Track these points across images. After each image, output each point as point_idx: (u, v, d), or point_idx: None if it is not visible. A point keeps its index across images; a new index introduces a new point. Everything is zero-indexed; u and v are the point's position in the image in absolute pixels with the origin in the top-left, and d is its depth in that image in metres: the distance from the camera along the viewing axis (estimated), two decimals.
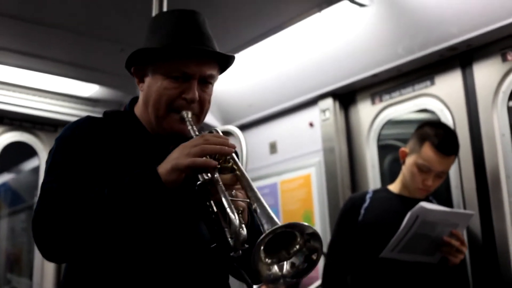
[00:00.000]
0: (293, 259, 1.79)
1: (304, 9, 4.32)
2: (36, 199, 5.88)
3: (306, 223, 1.73)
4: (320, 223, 5.05)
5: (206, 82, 2.21)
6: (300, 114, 5.39)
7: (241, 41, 4.46)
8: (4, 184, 6.93)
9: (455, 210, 3.93)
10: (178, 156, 1.90)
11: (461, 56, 4.27)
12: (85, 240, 1.84)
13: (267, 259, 1.76)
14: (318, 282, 4.63)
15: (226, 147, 1.95)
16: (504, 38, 4.01)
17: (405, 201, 3.74)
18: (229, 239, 1.83)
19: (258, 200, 1.84)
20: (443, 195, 4.29)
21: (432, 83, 4.46)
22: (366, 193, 3.98)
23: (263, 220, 1.76)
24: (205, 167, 1.90)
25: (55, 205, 1.86)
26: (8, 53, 4.93)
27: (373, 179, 4.86)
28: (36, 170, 6.15)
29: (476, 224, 4.03)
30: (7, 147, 5.87)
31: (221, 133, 2.12)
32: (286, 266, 1.79)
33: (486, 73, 4.13)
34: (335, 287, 3.88)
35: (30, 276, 5.97)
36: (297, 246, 1.78)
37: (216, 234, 2.03)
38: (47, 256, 1.91)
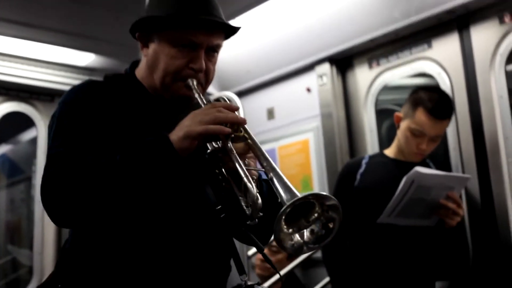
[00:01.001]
0: (312, 226, 1.81)
1: None
2: (34, 168, 5.93)
3: (326, 193, 1.76)
4: (318, 188, 5.07)
5: (213, 51, 2.21)
6: (297, 79, 5.38)
7: (238, 7, 4.43)
8: (2, 155, 6.93)
9: (450, 173, 3.94)
10: (190, 124, 1.90)
11: (459, 19, 4.25)
12: (95, 205, 1.85)
13: (287, 229, 1.78)
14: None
15: (239, 117, 1.96)
16: (501, 1, 4.00)
17: (401, 165, 3.75)
18: (245, 208, 1.85)
19: (273, 170, 1.85)
20: (441, 158, 4.30)
21: (430, 47, 4.45)
22: (362, 158, 4.00)
23: (281, 190, 1.77)
24: (218, 134, 1.91)
25: (65, 170, 1.86)
26: (3, 23, 4.90)
27: (371, 144, 4.86)
28: (34, 140, 6.13)
29: (474, 186, 4.05)
30: (4, 118, 5.85)
31: (228, 101, 2.12)
32: (306, 233, 1.81)
33: (483, 35, 4.12)
34: (335, 252, 3.90)
35: (30, 247, 5.99)
36: (316, 214, 1.80)
37: (226, 201, 2.07)
38: (57, 221, 1.91)
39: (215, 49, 2.22)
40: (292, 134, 5.39)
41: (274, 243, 4.84)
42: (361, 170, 3.87)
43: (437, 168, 3.85)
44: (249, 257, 4.78)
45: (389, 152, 3.93)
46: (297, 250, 1.81)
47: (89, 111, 2.05)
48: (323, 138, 5.11)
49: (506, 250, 3.91)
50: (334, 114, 5.01)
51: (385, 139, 4.84)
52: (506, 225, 3.92)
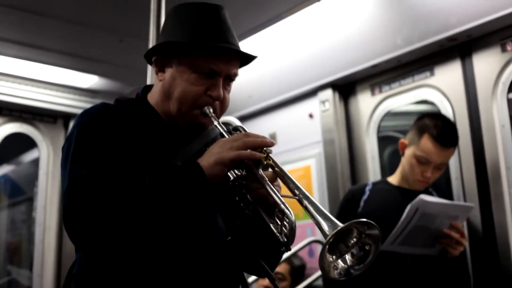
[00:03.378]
0: (352, 250, 1.80)
1: None
2: (36, 189, 5.93)
3: (369, 221, 1.75)
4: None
5: (230, 80, 2.21)
6: (299, 105, 5.39)
7: (240, 32, 4.44)
8: (4, 176, 6.93)
9: (454, 202, 3.93)
10: (221, 150, 1.89)
11: (461, 47, 4.26)
12: (119, 227, 1.83)
13: (330, 257, 1.77)
14: (320, 272, 4.65)
15: (268, 140, 1.95)
16: (503, 28, 4.01)
17: (405, 193, 3.73)
18: (278, 235, 1.84)
19: (307, 198, 1.84)
20: (443, 187, 4.29)
21: (432, 74, 4.46)
22: (365, 185, 3.98)
23: (320, 218, 1.75)
24: (250, 158, 1.89)
25: (91, 194, 1.84)
26: (7, 44, 4.92)
27: (373, 171, 4.85)
28: (36, 161, 6.14)
29: (476, 216, 4.03)
30: (7, 139, 5.87)
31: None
32: (348, 257, 1.80)
33: (485, 63, 4.12)
34: (336, 280, 3.87)
35: (30, 268, 5.98)
36: (354, 239, 1.79)
37: (239, 230, 2.08)
38: (78, 243, 1.90)
39: (232, 77, 2.20)
40: (294, 160, 5.38)
41: (277, 270, 4.83)
42: (365, 197, 3.85)
43: (439, 197, 3.83)
44: (250, 284, 4.76)
45: (393, 179, 3.91)
46: (345, 275, 1.80)
47: (106, 134, 2.04)
48: (325, 164, 5.11)
49: (507, 279, 3.88)
50: (336, 140, 5.01)
51: (387, 166, 4.82)
52: (507, 255, 3.90)
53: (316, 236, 4.85)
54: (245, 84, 5.44)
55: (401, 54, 4.44)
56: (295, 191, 1.88)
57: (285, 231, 1.83)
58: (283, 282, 4.86)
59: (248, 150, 1.88)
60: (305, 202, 1.82)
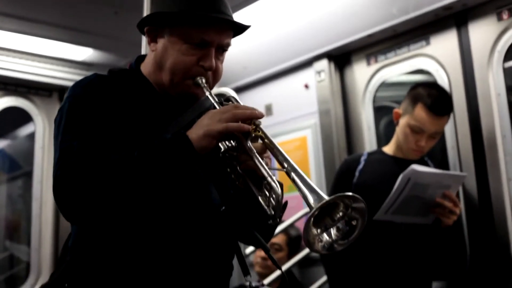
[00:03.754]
0: (337, 224, 1.79)
1: None
2: (33, 164, 5.92)
3: (355, 195, 1.73)
4: (316, 184, 5.05)
5: (222, 50, 2.20)
6: (295, 75, 5.37)
7: (235, 2, 4.42)
8: (0, 151, 6.91)
9: (446, 171, 3.93)
10: (209, 123, 1.89)
11: (456, 16, 4.24)
12: (110, 200, 1.83)
13: (316, 230, 1.76)
14: None
15: (257, 111, 1.94)
16: None
17: (399, 163, 3.74)
18: (266, 208, 1.86)
19: (295, 170, 1.83)
20: (439, 156, 4.29)
21: (428, 43, 4.45)
22: (360, 155, 3.99)
23: (306, 191, 1.75)
24: (239, 131, 1.89)
25: (80, 164, 1.85)
26: (1, 17, 4.89)
27: (369, 141, 4.85)
28: (32, 135, 6.13)
29: (472, 184, 4.04)
30: (2, 113, 5.86)
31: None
32: (333, 231, 1.79)
33: (481, 32, 4.11)
34: None
35: (28, 243, 5.99)
36: (340, 213, 1.78)
37: (233, 201, 2.10)
38: (69, 215, 1.90)
39: (225, 48, 2.20)
40: (290, 131, 5.38)
41: (274, 241, 4.85)
42: (360, 166, 3.86)
43: (435, 166, 3.84)
44: (247, 255, 4.77)
45: (388, 149, 3.92)
46: (329, 249, 1.79)
47: (98, 106, 2.04)
48: (321, 135, 5.11)
49: (503, 249, 3.90)
50: (332, 111, 5.00)
51: (383, 136, 4.83)
52: (503, 224, 3.91)
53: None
54: (240, 55, 5.42)
55: (396, 24, 4.43)
56: (284, 163, 1.87)
57: (273, 204, 1.84)
58: (280, 252, 4.88)
59: (237, 122, 1.88)
60: (293, 175, 1.81)
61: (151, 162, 1.84)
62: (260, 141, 1.98)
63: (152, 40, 2.24)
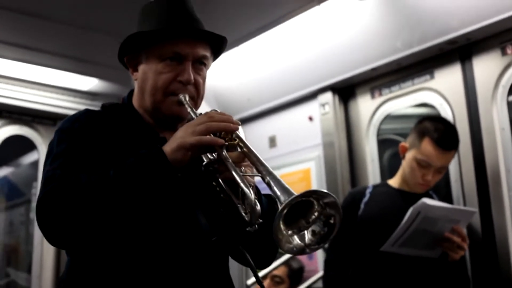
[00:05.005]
0: (313, 227, 1.78)
1: (303, 2, 4.31)
2: (34, 191, 5.92)
3: (323, 190, 1.72)
4: None
5: (200, 64, 2.21)
6: (299, 108, 5.39)
7: (240, 35, 4.44)
8: (3, 178, 6.91)
9: (457, 206, 3.93)
10: (183, 135, 1.89)
11: (461, 50, 4.26)
12: (90, 222, 1.82)
13: (287, 231, 1.75)
14: (319, 275, 4.65)
15: (232, 124, 1.93)
16: (503, 32, 4.01)
17: (405, 196, 3.73)
18: (244, 215, 1.84)
19: (270, 174, 1.82)
20: (443, 190, 4.28)
21: (432, 77, 4.46)
22: (366, 187, 3.98)
23: (278, 192, 1.73)
24: (211, 145, 1.88)
25: (60, 190, 1.84)
26: (7, 46, 4.92)
27: (372, 174, 4.85)
28: (35, 164, 6.13)
29: (476, 219, 4.02)
30: (6, 141, 5.86)
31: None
32: (307, 235, 1.78)
33: (485, 67, 4.12)
34: (336, 281, 3.88)
35: (29, 270, 5.97)
36: (316, 214, 1.77)
37: (222, 221, 2.07)
38: (52, 240, 1.89)
39: (202, 60, 2.21)
40: (294, 163, 5.38)
41: (275, 273, 4.82)
42: (365, 199, 3.85)
43: (440, 200, 3.83)
44: (248, 287, 4.74)
45: (393, 182, 3.91)
46: (298, 253, 1.79)
47: (84, 139, 2.05)
48: (324, 167, 5.10)
49: (506, 283, 3.88)
50: (336, 143, 5.00)
51: (387, 169, 4.82)
52: (507, 258, 3.90)
53: None
54: (244, 87, 5.45)
55: (401, 57, 4.44)
56: (260, 169, 1.87)
57: (249, 210, 1.82)
58: (281, 285, 4.86)
59: (209, 136, 1.88)
60: (267, 178, 1.81)
61: (126, 178, 1.84)
62: (239, 149, 1.97)
63: (134, 69, 2.26)
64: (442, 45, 4.21)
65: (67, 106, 5.90)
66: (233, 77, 5.39)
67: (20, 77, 5.56)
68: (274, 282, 4.82)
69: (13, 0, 4.22)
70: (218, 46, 2.30)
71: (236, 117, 5.33)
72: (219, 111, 2.09)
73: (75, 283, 2.05)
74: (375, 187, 3.97)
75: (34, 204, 5.93)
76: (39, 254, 5.90)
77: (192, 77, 2.15)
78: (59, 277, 2.12)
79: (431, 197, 3.79)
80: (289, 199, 1.66)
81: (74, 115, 2.18)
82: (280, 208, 1.66)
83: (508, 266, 3.89)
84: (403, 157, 3.81)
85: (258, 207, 1.79)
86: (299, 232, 1.77)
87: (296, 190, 1.72)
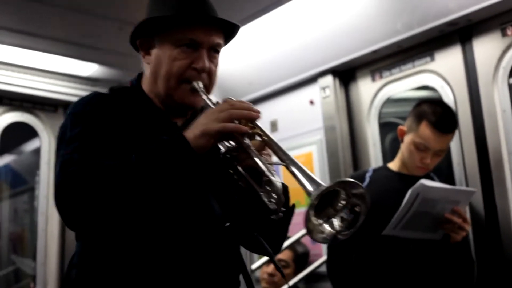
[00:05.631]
0: (341, 214, 1.79)
1: None
2: (38, 179, 5.93)
3: (353, 180, 1.74)
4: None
5: (214, 52, 2.21)
6: (300, 91, 5.38)
7: (240, 18, 4.41)
8: (6, 166, 6.92)
9: (456, 187, 3.93)
10: (206, 122, 1.90)
11: (461, 32, 4.24)
12: (110, 206, 1.82)
13: (318, 220, 1.76)
14: (323, 259, 4.66)
15: (253, 112, 1.94)
16: (504, 13, 3.99)
17: (405, 179, 3.73)
18: (268, 203, 1.85)
19: (294, 163, 1.84)
20: (445, 172, 4.28)
21: (432, 59, 4.45)
22: (365, 171, 3.99)
23: (305, 182, 1.75)
24: (236, 132, 1.89)
25: (81, 174, 1.85)
26: (7, 32, 4.90)
27: (374, 157, 4.85)
28: (37, 151, 6.13)
29: (478, 201, 4.03)
30: (8, 128, 5.85)
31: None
32: (336, 222, 1.79)
33: (486, 48, 4.11)
34: (340, 265, 3.89)
35: (34, 257, 5.99)
36: (343, 202, 1.78)
37: (235, 208, 2.09)
38: (72, 224, 1.91)
39: (216, 48, 2.22)
40: (295, 147, 5.36)
41: (281, 257, 4.83)
42: (365, 183, 3.85)
43: (441, 182, 3.83)
44: (253, 271, 4.76)
45: (393, 165, 3.91)
46: (331, 240, 1.80)
47: (98, 122, 2.05)
48: (326, 151, 5.10)
49: (510, 264, 3.89)
50: (337, 127, 5.00)
51: (389, 152, 4.82)
52: (510, 240, 3.90)
53: None
54: (245, 71, 5.43)
55: (401, 40, 4.43)
56: (283, 157, 1.88)
57: (274, 198, 1.83)
58: (287, 269, 4.86)
59: (234, 123, 1.89)
60: (292, 168, 1.82)
61: (148, 163, 1.84)
62: (258, 138, 1.98)
63: (146, 52, 2.26)
64: (442, 26, 4.20)
65: (68, 92, 5.89)
66: (233, 61, 5.38)
67: (20, 63, 5.55)
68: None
69: None
70: (230, 33, 2.29)
71: None
72: (228, 97, 2.11)
73: (87, 267, 2.05)
74: (375, 170, 3.97)
75: (37, 191, 5.97)
76: (43, 241, 5.92)
77: (207, 64, 2.15)
78: (69, 261, 2.11)
79: (431, 179, 3.78)
80: (321, 190, 1.68)
81: (84, 98, 2.17)
82: (312, 199, 1.67)
83: (511, 248, 3.89)
84: (402, 140, 3.81)
85: (283, 195, 1.82)
86: (328, 220, 1.79)
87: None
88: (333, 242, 1.81)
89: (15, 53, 5.30)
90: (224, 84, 5.65)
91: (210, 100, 2.12)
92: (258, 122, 1.99)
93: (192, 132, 1.88)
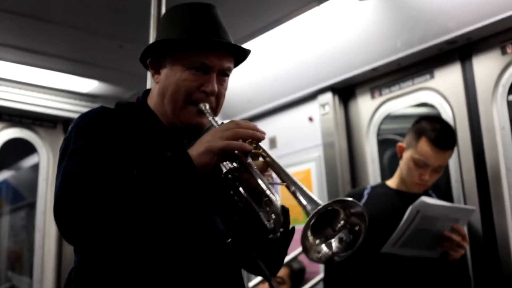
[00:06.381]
0: (339, 235, 1.79)
1: (303, 2, 4.31)
2: (36, 195, 5.92)
3: (350, 199, 1.73)
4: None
5: (224, 75, 2.21)
6: (299, 108, 5.39)
7: (240, 36, 4.44)
8: (4, 181, 6.92)
9: (456, 205, 3.92)
10: (211, 139, 1.89)
11: (461, 50, 4.26)
12: (110, 222, 1.81)
13: (315, 240, 1.76)
14: (320, 276, 4.65)
15: (258, 132, 1.94)
16: (503, 31, 4.02)
17: (403, 196, 3.73)
18: (267, 222, 1.84)
19: (295, 183, 1.82)
20: (443, 189, 4.28)
21: (432, 77, 4.46)
22: (364, 189, 3.98)
23: (304, 201, 1.74)
24: (240, 150, 1.88)
25: (81, 187, 1.84)
26: (7, 49, 4.93)
27: (373, 174, 4.85)
28: (35, 167, 6.13)
29: (476, 218, 4.02)
30: (6, 144, 5.87)
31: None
32: (334, 243, 1.79)
33: (485, 66, 4.13)
34: (337, 283, 3.88)
35: (31, 274, 5.97)
36: (342, 222, 1.77)
37: (237, 228, 2.07)
38: (69, 237, 1.88)
39: (226, 72, 2.21)
40: (294, 164, 5.37)
41: (278, 274, 4.81)
42: (363, 200, 3.84)
43: (440, 199, 3.83)
44: None
45: (391, 182, 3.91)
46: (326, 261, 1.80)
47: (103, 137, 2.04)
48: (325, 168, 5.10)
49: (507, 282, 3.88)
50: (336, 144, 5.01)
51: (387, 169, 4.82)
52: (507, 257, 3.90)
53: None
54: (245, 88, 5.44)
55: (401, 57, 4.45)
56: (285, 178, 1.87)
57: (272, 218, 1.82)
58: (283, 285, 4.85)
59: (239, 141, 1.88)
60: (293, 188, 1.81)
61: (150, 179, 1.83)
62: (261, 158, 1.98)
63: (156, 71, 2.25)
64: (442, 45, 4.22)
65: (67, 108, 5.91)
66: (233, 78, 5.38)
67: (20, 79, 5.58)
68: (275, 283, 4.81)
69: (13, 2, 4.21)
70: (241, 57, 2.30)
71: (236, 118, 5.35)
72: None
73: (85, 283, 2.03)
74: (373, 188, 3.97)
75: (35, 208, 5.96)
76: (40, 259, 5.92)
77: (216, 88, 2.14)
78: (67, 276, 2.09)
79: (430, 196, 3.79)
80: (317, 208, 1.67)
81: (90, 112, 2.16)
82: (308, 218, 1.66)
83: (509, 265, 3.89)
84: (401, 157, 3.81)
85: (282, 216, 1.80)
86: (326, 240, 1.78)
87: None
88: (328, 262, 1.81)
89: (15, 70, 5.32)
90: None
91: (216, 121, 2.11)
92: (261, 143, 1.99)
93: (195, 150, 1.88)
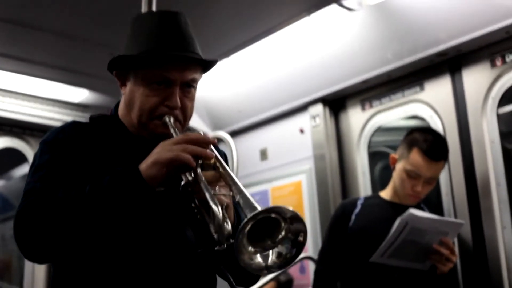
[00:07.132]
0: (279, 248, 1.77)
1: (293, 13, 4.31)
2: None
3: (285, 206, 1.71)
4: (311, 230, 5.03)
5: (189, 87, 2.18)
6: (290, 120, 5.38)
7: (230, 46, 4.45)
8: None
9: (445, 218, 3.92)
10: (160, 151, 1.88)
11: (450, 62, 4.27)
12: (66, 239, 1.82)
13: (251, 248, 1.74)
14: None
15: (208, 151, 1.91)
16: (493, 44, 4.02)
17: (396, 208, 3.72)
18: (214, 234, 1.83)
19: (240, 192, 1.82)
20: (433, 202, 4.28)
21: (422, 89, 4.46)
22: (357, 199, 3.98)
23: (246, 210, 1.73)
24: (186, 163, 1.86)
25: (38, 204, 1.84)
26: None
27: (363, 186, 4.84)
28: (26, 176, 6.10)
29: (466, 231, 4.02)
30: None
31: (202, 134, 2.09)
32: (272, 256, 1.77)
33: (475, 79, 4.13)
34: None
35: (21, 284, 5.95)
36: (282, 233, 1.75)
37: (202, 236, 2.04)
38: (28, 255, 1.89)
39: (191, 83, 2.17)
40: (285, 176, 5.37)
41: (265, 286, 4.80)
42: (357, 210, 3.85)
43: (430, 212, 3.83)
44: None
45: (385, 194, 3.91)
46: (255, 271, 1.77)
47: (68, 151, 2.04)
48: (315, 180, 5.09)
49: None
50: (327, 156, 5.00)
51: (378, 181, 4.82)
52: (497, 270, 3.89)
53: (307, 253, 4.83)
54: (235, 99, 5.44)
55: (391, 69, 4.45)
56: (232, 187, 1.87)
57: (217, 229, 1.81)
58: None
59: (186, 155, 1.86)
60: (238, 197, 1.81)
61: (101, 195, 1.83)
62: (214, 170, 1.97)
63: (122, 83, 2.23)
64: (432, 57, 4.23)
65: (58, 118, 5.89)
66: (223, 89, 5.39)
67: (10, 88, 5.55)
68: None
69: (3, 11, 4.20)
70: (208, 64, 2.26)
71: (227, 130, 5.38)
72: (201, 133, 2.06)
73: None
74: (366, 199, 3.97)
75: None
76: (31, 268, 5.89)
77: (179, 102, 2.11)
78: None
79: (422, 209, 3.78)
80: (251, 214, 1.66)
81: (60, 126, 2.17)
82: (242, 223, 1.66)
83: (499, 279, 3.88)
84: (393, 168, 3.82)
85: (228, 227, 1.79)
86: (264, 251, 1.76)
87: (289, 203, 1.72)
88: (257, 273, 1.79)
89: (4, 78, 5.30)
90: (213, 112, 5.66)
91: (177, 134, 2.09)
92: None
93: (145, 162, 1.88)
